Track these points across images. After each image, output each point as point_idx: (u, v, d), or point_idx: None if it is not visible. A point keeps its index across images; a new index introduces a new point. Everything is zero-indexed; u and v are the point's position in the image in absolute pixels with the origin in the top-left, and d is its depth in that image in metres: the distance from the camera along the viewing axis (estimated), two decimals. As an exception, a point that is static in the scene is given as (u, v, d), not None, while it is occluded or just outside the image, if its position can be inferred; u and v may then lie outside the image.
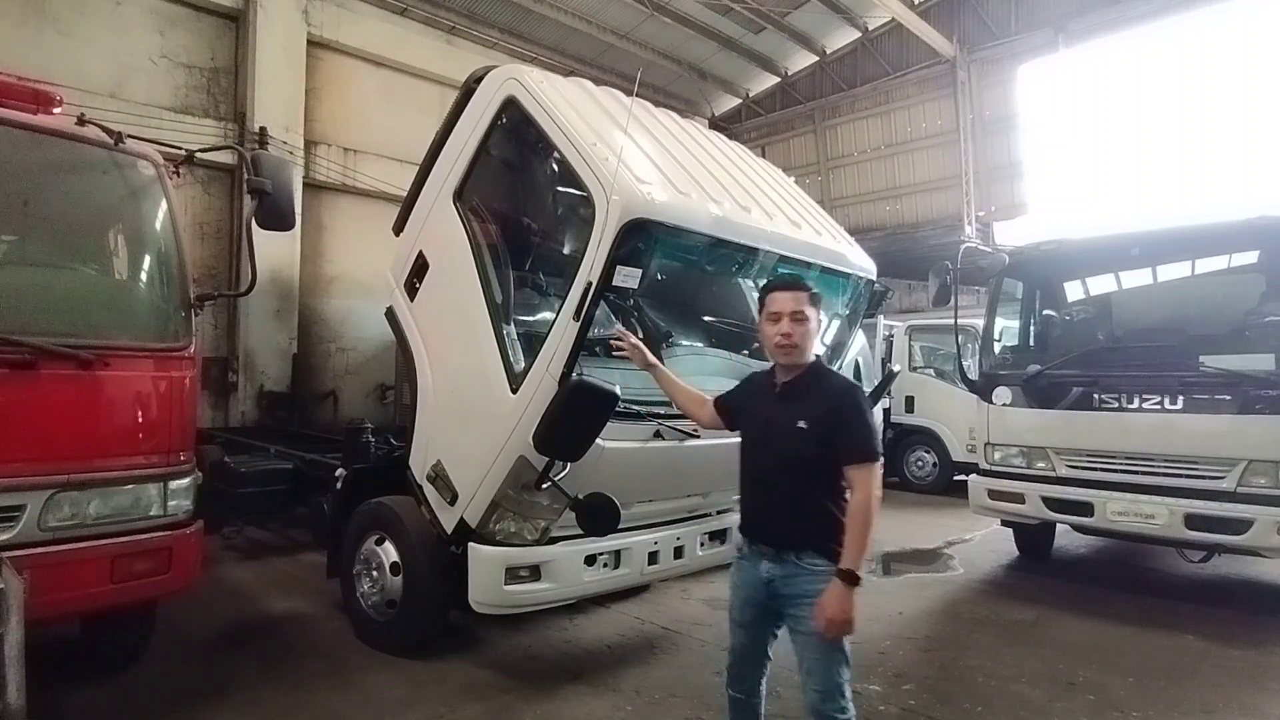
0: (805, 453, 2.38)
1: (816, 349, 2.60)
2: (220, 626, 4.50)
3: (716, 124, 15.81)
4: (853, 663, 2.43)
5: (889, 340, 10.96)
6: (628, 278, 3.28)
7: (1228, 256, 5.78)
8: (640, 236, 3.30)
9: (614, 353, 3.10)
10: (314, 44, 9.58)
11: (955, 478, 9.86)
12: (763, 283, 4.58)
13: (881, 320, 10.67)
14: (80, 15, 7.92)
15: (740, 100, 16.76)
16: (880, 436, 2.43)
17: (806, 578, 2.36)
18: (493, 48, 11.82)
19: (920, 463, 10.73)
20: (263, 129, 8.77)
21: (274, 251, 8.13)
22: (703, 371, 4.07)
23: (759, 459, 2.55)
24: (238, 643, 4.32)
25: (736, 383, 4.15)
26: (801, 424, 2.38)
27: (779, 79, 16.24)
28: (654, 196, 3.37)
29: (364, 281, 9.46)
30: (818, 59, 15.61)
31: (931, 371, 10.69)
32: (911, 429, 10.67)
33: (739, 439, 2.68)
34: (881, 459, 2.45)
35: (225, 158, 7.84)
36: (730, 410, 2.76)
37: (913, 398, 10.60)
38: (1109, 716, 3.68)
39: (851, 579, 2.26)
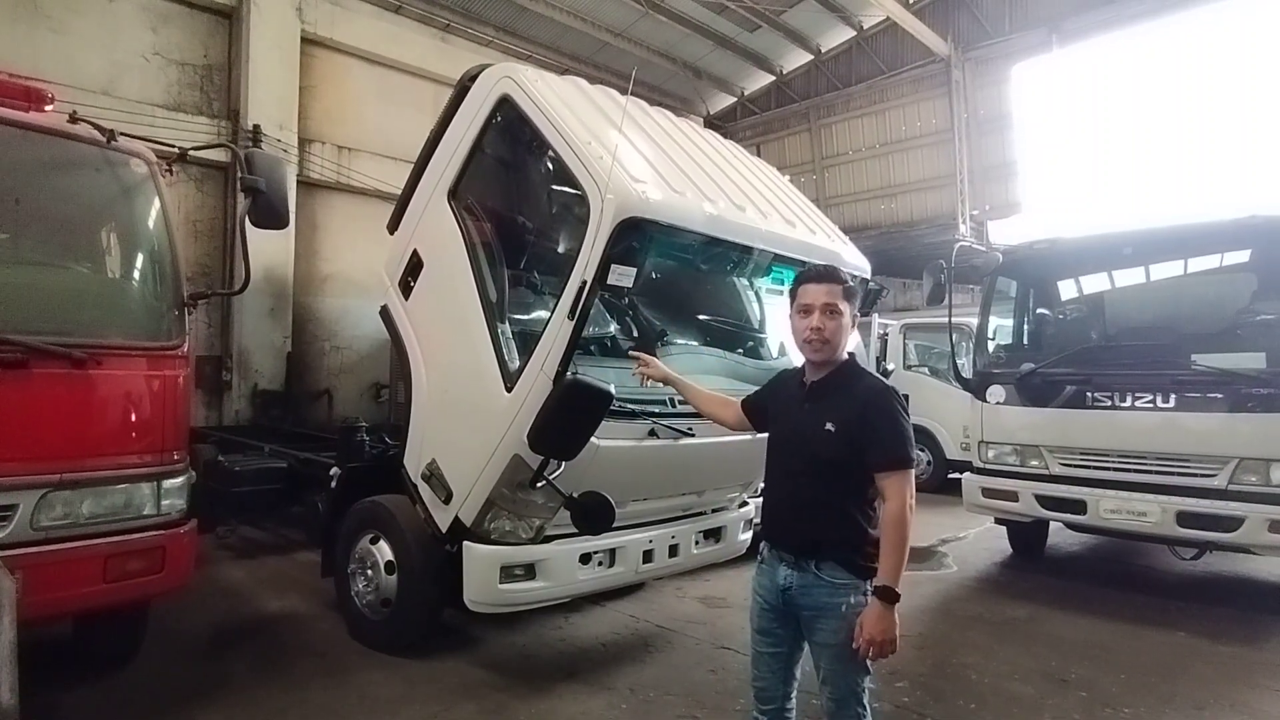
0: (832, 456, 2.24)
1: (849, 345, 2.43)
2: (214, 626, 4.49)
3: (711, 122, 15.82)
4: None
5: (884, 339, 10.97)
6: (622, 276, 3.27)
7: (1220, 255, 5.81)
8: (635, 235, 3.30)
9: (634, 375, 3.09)
10: (308, 41, 9.54)
11: (949, 476, 9.89)
12: (762, 279, 4.65)
13: (876, 319, 10.67)
14: (72, 12, 7.87)
15: (735, 99, 16.76)
16: (913, 441, 2.29)
17: (825, 590, 2.25)
18: (487, 45, 11.80)
19: (915, 460, 10.74)
20: (256, 127, 8.73)
21: (268, 250, 8.10)
22: (697, 370, 4.07)
23: (784, 461, 2.41)
24: (231, 642, 4.31)
25: (732, 381, 4.20)
26: (830, 426, 2.25)
27: (774, 77, 16.24)
28: (649, 195, 3.37)
29: (358, 280, 9.45)
30: (813, 58, 15.61)
31: (926, 370, 10.72)
32: (905, 427, 10.67)
33: (742, 437, 2.60)
34: (915, 465, 2.30)
35: (219, 155, 7.82)
36: (757, 410, 2.65)
37: (907, 396, 10.50)
38: (1101, 713, 3.70)
39: (890, 596, 2.14)
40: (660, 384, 3.09)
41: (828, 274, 2.43)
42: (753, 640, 2.47)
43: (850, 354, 2.43)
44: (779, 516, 2.43)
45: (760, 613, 2.43)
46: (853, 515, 2.26)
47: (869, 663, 2.25)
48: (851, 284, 2.42)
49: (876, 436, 2.22)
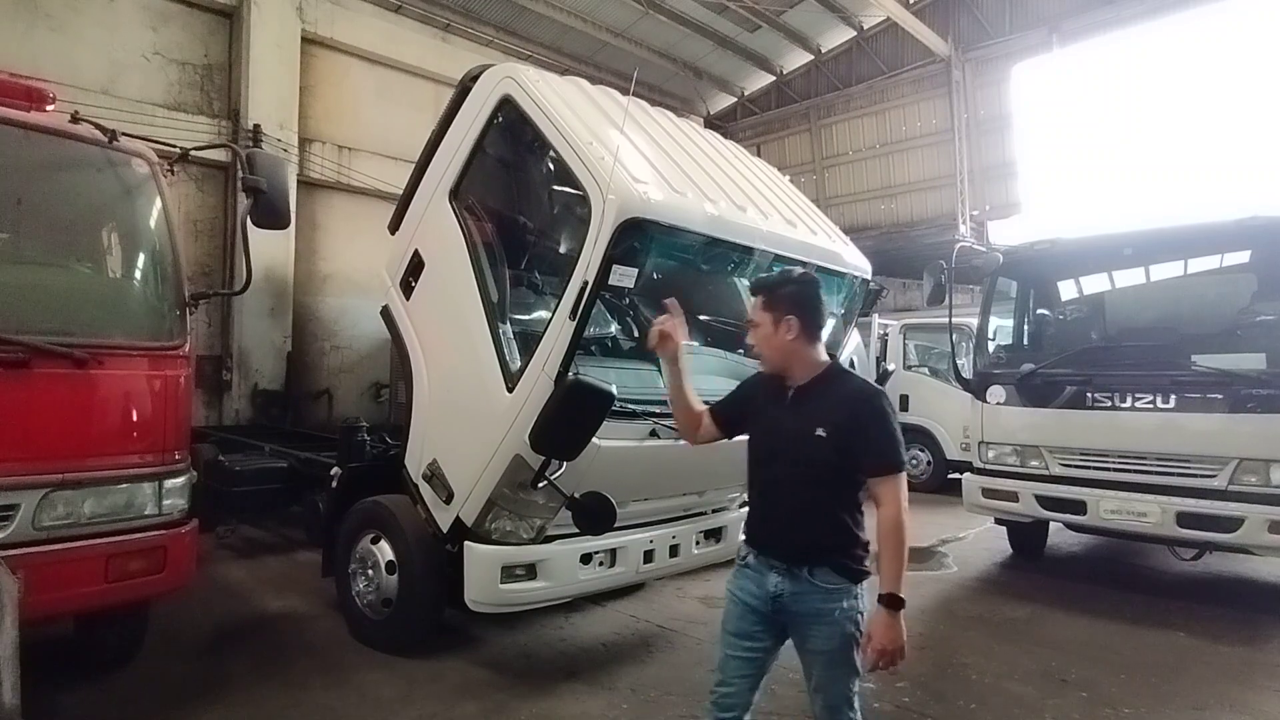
0: (824, 461, 2.20)
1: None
2: (214, 625, 4.49)
3: (712, 123, 15.83)
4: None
5: (884, 339, 10.98)
6: (624, 277, 3.28)
7: (1220, 256, 5.82)
8: (636, 236, 3.31)
9: (656, 323, 2.51)
10: (308, 41, 9.55)
11: (949, 476, 9.90)
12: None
13: (876, 319, 10.69)
14: (72, 11, 7.87)
15: (736, 99, 16.78)
16: (904, 444, 2.27)
17: (819, 596, 2.21)
18: (488, 45, 11.80)
19: (914, 461, 10.75)
20: (257, 126, 8.74)
21: (268, 249, 8.11)
22: (698, 370, 4.06)
23: (772, 468, 2.35)
24: (232, 642, 4.32)
25: (732, 381, 4.19)
26: (820, 431, 2.19)
27: (774, 78, 16.26)
28: (650, 196, 3.38)
29: (358, 280, 9.45)
30: (813, 58, 15.63)
31: (926, 370, 10.73)
32: (906, 427, 10.66)
33: (744, 438, 2.46)
34: (907, 468, 2.25)
35: (219, 155, 7.82)
36: (730, 418, 2.54)
37: (907, 396, 10.63)
38: (1101, 713, 3.70)
39: (897, 604, 2.10)
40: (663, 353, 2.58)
41: (752, 287, 2.42)
42: (724, 644, 2.36)
43: (832, 355, 2.39)
44: (770, 524, 2.36)
45: (742, 615, 2.34)
46: (844, 519, 2.24)
47: (859, 665, 2.23)
48: (785, 289, 2.34)
49: (869, 440, 2.19)
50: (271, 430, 7.71)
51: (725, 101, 16.83)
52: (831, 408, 2.23)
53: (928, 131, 14.58)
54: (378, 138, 10.02)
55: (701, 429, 2.56)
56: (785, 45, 15.30)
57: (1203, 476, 5.00)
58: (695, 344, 4.60)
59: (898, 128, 15.03)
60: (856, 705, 2.29)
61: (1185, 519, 5.00)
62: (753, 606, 2.31)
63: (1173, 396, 5.13)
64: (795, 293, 2.33)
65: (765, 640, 2.32)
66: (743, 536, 2.46)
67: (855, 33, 14.98)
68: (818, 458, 2.21)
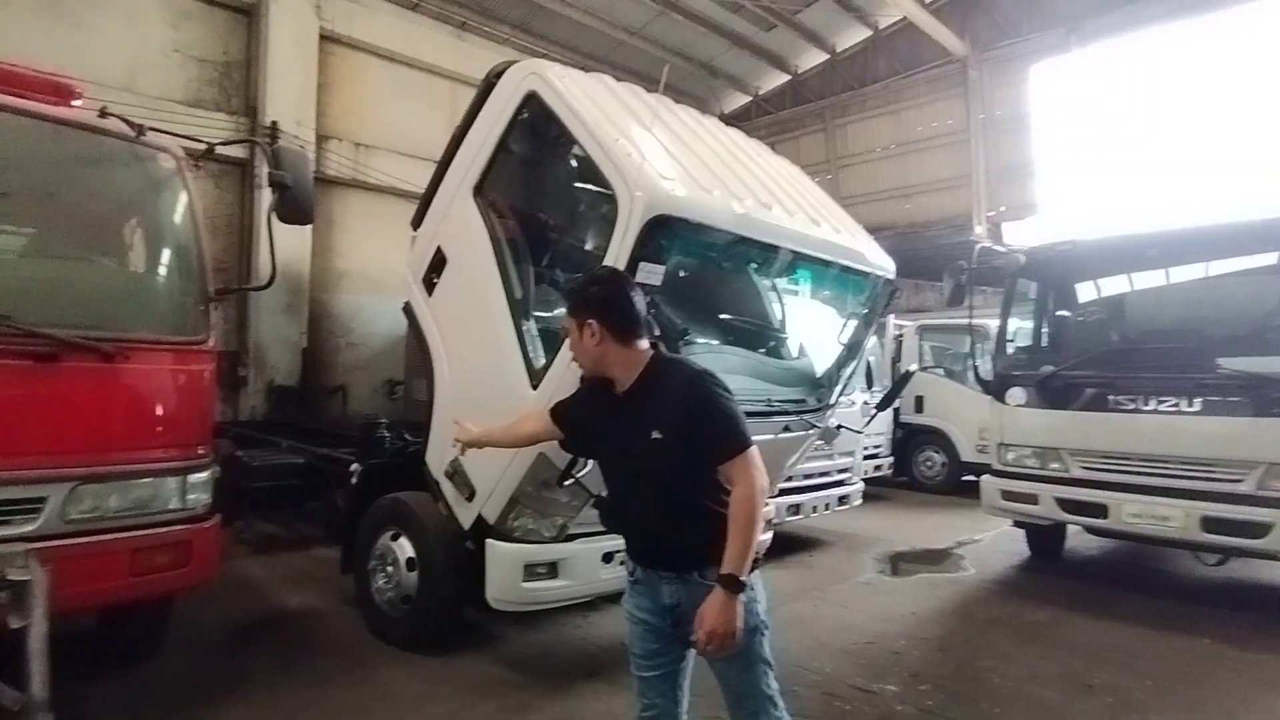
0: (670, 464, 2.10)
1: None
2: (234, 621, 4.50)
3: (726, 121, 15.69)
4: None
5: (899, 340, 10.93)
6: (651, 274, 3.24)
7: (1246, 257, 5.74)
8: (664, 233, 3.27)
9: (453, 445, 2.80)
10: (326, 38, 9.57)
11: (964, 478, 9.84)
12: (783, 278, 4.62)
13: (892, 320, 10.64)
14: (92, 8, 7.91)
15: (750, 98, 16.74)
16: (743, 417, 2.15)
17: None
18: (504, 43, 11.82)
19: (929, 462, 10.71)
20: (274, 123, 8.75)
21: (285, 246, 7.96)
22: (719, 370, 4.03)
23: (625, 479, 2.30)
24: (252, 637, 4.33)
25: (754, 381, 4.17)
26: (656, 434, 2.09)
27: (789, 77, 16.21)
28: (677, 193, 3.35)
29: (374, 277, 9.48)
30: (828, 57, 15.58)
31: (941, 371, 10.67)
32: (921, 429, 10.64)
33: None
34: (753, 443, 2.13)
35: (237, 151, 7.85)
36: (564, 424, 2.49)
37: (922, 397, 10.58)
38: (1129, 719, 3.66)
39: (735, 585, 1.98)
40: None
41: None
42: (635, 666, 2.30)
43: (653, 346, 2.26)
44: (644, 536, 2.28)
45: (644, 635, 2.26)
46: (716, 511, 2.11)
47: (768, 657, 2.17)
48: (580, 295, 2.31)
49: (709, 429, 2.09)
50: (288, 426, 7.73)
51: (740, 100, 16.79)
52: (662, 405, 2.13)
53: (944, 132, 14.51)
54: (394, 135, 10.03)
55: (546, 429, 2.59)
56: (800, 44, 15.26)
57: (1229, 481, 4.93)
58: (714, 342, 4.59)
59: (913, 128, 14.97)
60: (780, 702, 2.21)
61: (1211, 524, 4.93)
62: (653, 625, 2.23)
63: (1198, 400, 5.06)
64: (595, 295, 2.25)
65: (673, 652, 2.26)
66: (625, 554, 2.37)
67: (871, 32, 14.93)
68: (661, 461, 2.12)
